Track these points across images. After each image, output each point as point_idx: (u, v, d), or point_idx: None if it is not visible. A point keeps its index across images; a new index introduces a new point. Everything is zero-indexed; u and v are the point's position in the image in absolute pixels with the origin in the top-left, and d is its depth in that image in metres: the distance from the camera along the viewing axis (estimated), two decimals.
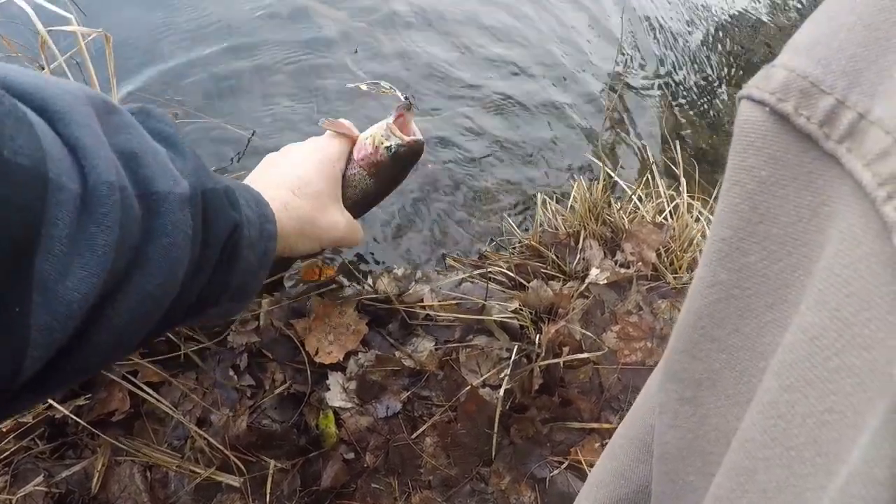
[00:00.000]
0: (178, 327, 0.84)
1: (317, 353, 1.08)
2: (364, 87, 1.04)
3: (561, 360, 1.07)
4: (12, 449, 0.84)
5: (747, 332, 0.25)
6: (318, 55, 1.72)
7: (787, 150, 0.23)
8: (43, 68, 1.11)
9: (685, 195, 1.38)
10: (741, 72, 2.26)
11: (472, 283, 1.25)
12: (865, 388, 0.19)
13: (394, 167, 0.95)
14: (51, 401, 0.83)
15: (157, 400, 0.91)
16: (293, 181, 0.78)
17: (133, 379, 0.91)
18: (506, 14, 2.09)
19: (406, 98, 0.94)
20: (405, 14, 1.95)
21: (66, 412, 0.83)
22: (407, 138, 0.93)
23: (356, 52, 1.78)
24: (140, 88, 1.49)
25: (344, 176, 0.92)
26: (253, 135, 1.49)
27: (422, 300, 1.18)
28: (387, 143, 0.92)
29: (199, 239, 0.39)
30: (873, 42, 0.21)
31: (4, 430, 0.84)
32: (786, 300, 0.23)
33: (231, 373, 1.01)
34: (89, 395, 0.88)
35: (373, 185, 0.96)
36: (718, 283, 0.25)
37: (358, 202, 0.96)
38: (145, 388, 0.91)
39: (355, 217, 0.95)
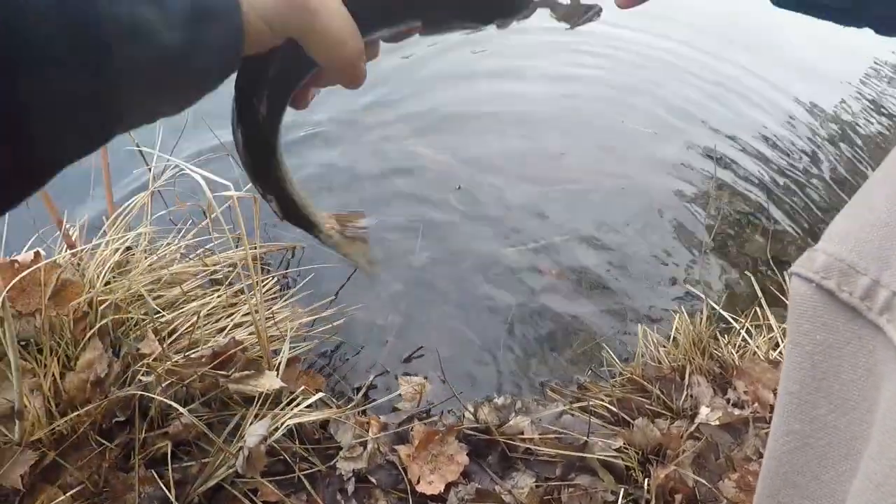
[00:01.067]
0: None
1: (419, 481, 1.10)
2: None
3: None
4: None
5: (826, 479, 0.27)
6: None
7: (837, 318, 0.28)
8: (205, 214, 1.34)
9: None
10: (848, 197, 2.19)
11: (572, 415, 1.23)
12: None
13: None
14: None
15: None
16: None
17: (253, 497, 0.97)
18: (596, 151, 2.22)
19: None
20: None
21: None
22: None
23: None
24: (270, 223, 1.73)
25: None
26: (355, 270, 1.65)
27: (522, 432, 1.18)
28: None
29: None
30: (894, 236, 0.27)
31: None
32: (858, 451, 0.26)
33: (339, 497, 1.04)
34: None
35: None
36: (793, 433, 0.29)
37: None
38: None
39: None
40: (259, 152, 0.43)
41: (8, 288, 0.93)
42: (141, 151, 1.37)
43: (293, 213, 0.47)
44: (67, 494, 0.92)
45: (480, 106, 2.35)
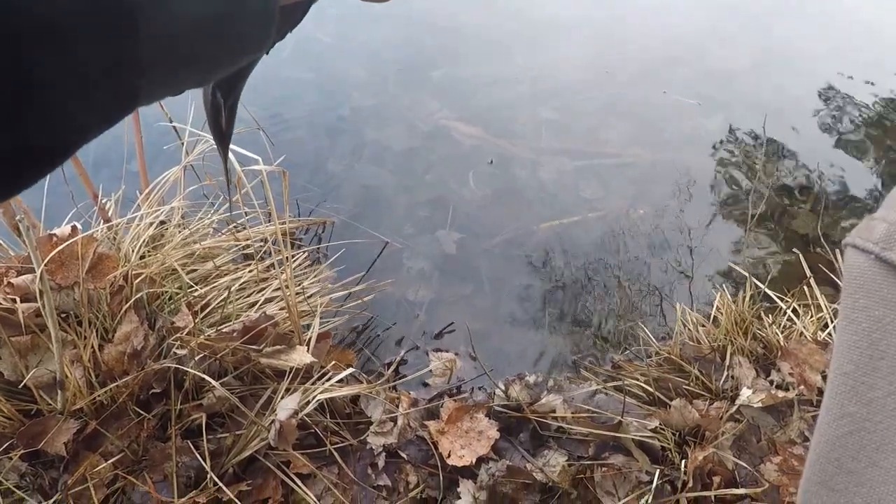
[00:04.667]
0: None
1: (449, 455, 1.09)
2: None
3: (712, 494, 0.97)
4: None
5: (886, 466, 0.25)
6: None
7: None
8: (237, 189, 1.34)
9: None
10: None
11: (606, 394, 1.20)
12: None
13: None
14: (219, 482, 0.92)
15: (305, 492, 0.96)
16: None
17: (286, 469, 0.98)
18: (634, 124, 2.14)
19: None
20: None
21: (232, 496, 0.91)
22: None
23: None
24: (304, 199, 1.73)
25: None
26: (386, 245, 1.64)
27: (554, 411, 1.15)
28: None
29: None
30: None
31: None
32: None
33: (369, 471, 1.05)
34: (249, 482, 0.97)
35: None
36: (848, 416, 0.26)
37: None
38: (295, 478, 0.97)
39: None
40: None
41: (46, 260, 0.95)
42: (174, 127, 1.38)
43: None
44: (109, 462, 0.95)
45: (514, 75, 2.28)
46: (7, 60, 0.22)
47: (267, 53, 0.32)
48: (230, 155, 1.08)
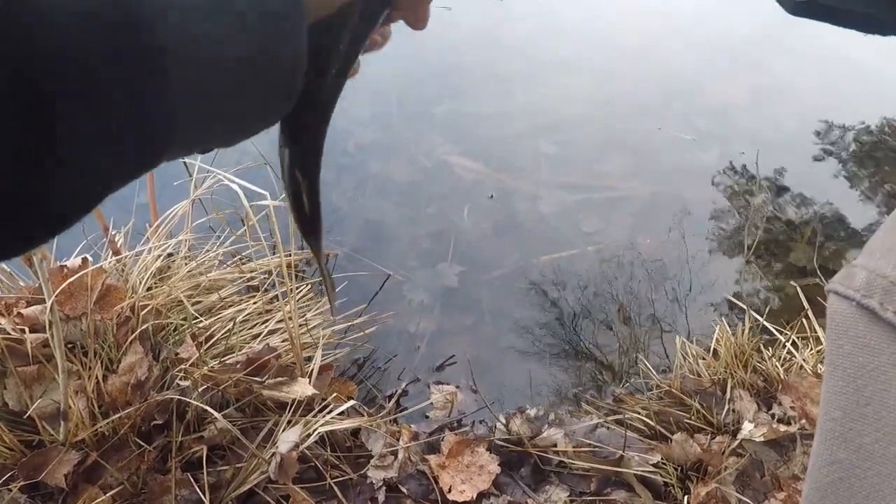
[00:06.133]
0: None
1: (450, 490, 1.08)
2: None
3: None
4: None
5: None
6: None
7: (881, 340, 0.25)
8: (243, 222, 1.37)
9: None
10: None
11: (607, 428, 1.20)
12: None
13: None
14: None
15: None
16: None
17: (285, 503, 0.98)
18: (631, 157, 2.18)
19: None
20: None
21: None
22: None
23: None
24: None
25: None
26: (388, 278, 1.66)
27: (555, 445, 1.15)
28: None
29: None
30: None
31: None
32: None
33: None
34: None
35: None
36: (837, 462, 0.26)
37: None
38: None
39: None
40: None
41: (57, 292, 0.97)
42: (184, 162, 1.41)
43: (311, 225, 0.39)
44: (108, 495, 0.94)
45: (515, 110, 2.34)
46: (34, 122, 0.20)
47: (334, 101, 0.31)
48: (238, 189, 1.11)
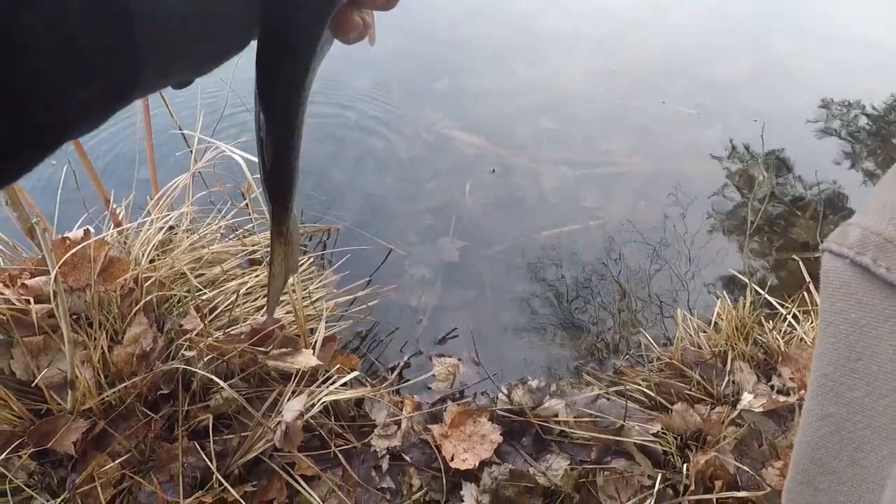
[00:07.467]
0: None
1: (452, 458, 1.10)
2: None
3: (714, 497, 0.97)
4: None
5: (866, 464, 0.26)
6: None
7: (874, 296, 0.26)
8: (244, 196, 1.37)
9: None
10: None
11: (608, 399, 1.21)
12: None
13: None
14: (225, 483, 0.93)
15: (309, 494, 0.97)
16: None
17: (290, 471, 0.99)
18: (633, 133, 2.17)
19: None
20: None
21: (237, 496, 0.92)
22: None
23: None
24: (309, 206, 1.75)
25: None
26: (390, 253, 1.66)
27: (556, 415, 1.16)
28: None
29: None
30: None
31: None
32: None
33: (373, 473, 1.06)
34: (254, 483, 0.98)
35: None
36: (828, 416, 0.27)
37: None
38: (300, 480, 0.98)
39: None
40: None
41: (60, 263, 0.97)
42: (183, 134, 1.40)
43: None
44: (116, 462, 0.96)
45: (515, 86, 2.32)
46: (10, 49, 0.22)
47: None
48: (240, 160, 1.11)
